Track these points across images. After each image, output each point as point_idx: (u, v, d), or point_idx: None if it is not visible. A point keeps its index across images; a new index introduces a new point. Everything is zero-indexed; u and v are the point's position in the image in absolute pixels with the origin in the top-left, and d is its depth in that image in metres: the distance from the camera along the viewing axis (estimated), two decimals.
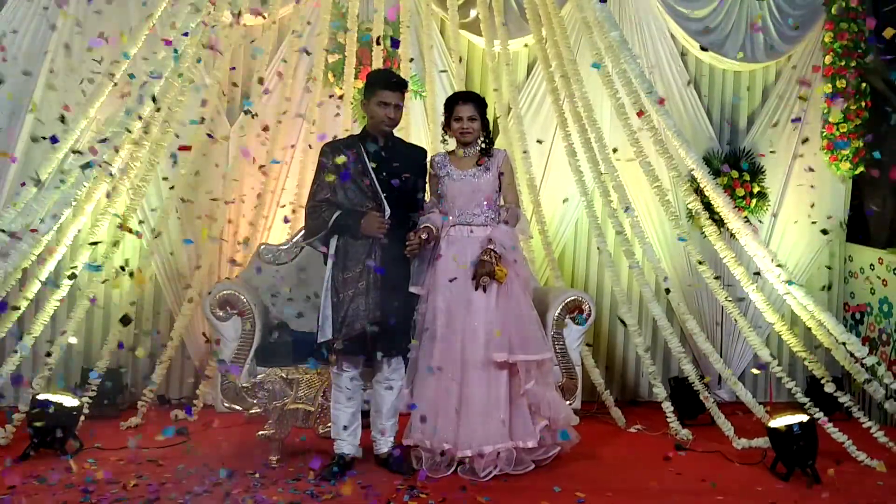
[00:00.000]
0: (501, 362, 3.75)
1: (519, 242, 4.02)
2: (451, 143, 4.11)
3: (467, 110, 3.90)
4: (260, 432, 3.92)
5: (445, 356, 3.77)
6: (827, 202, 5.80)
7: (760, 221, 5.66)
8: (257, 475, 3.70)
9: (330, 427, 3.87)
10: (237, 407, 4.04)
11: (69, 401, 4.03)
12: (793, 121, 5.71)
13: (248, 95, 5.06)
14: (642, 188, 5.21)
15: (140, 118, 4.41)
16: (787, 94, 5.81)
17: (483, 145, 3.98)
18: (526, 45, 5.60)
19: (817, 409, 4.38)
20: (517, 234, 3.97)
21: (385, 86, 3.76)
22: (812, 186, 5.76)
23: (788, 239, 5.76)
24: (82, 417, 4.19)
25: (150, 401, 4.71)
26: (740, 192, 5.54)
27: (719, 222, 4.91)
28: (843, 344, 4.46)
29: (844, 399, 4.49)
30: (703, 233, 5.07)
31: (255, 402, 3.97)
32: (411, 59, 5.26)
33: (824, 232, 5.71)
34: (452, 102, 3.97)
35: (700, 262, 4.79)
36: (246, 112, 4.93)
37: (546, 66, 5.22)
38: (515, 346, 3.78)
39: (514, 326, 3.80)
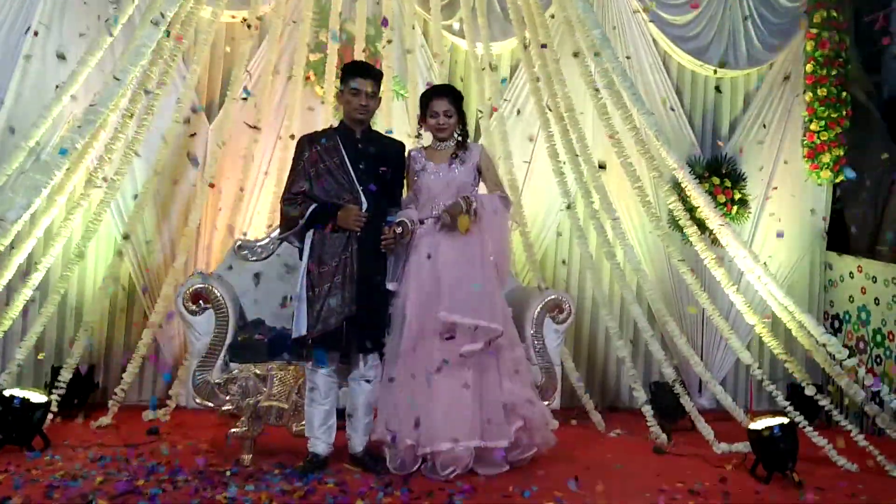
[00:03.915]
0: (466, 355, 3.63)
1: (505, 218, 3.91)
2: (427, 138, 4.04)
3: (442, 105, 3.84)
4: (232, 430, 3.83)
5: (413, 351, 3.69)
6: (807, 210, 5.82)
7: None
8: (229, 473, 3.61)
9: (304, 425, 3.78)
10: (209, 403, 3.94)
11: (37, 397, 3.94)
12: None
13: (224, 95, 5.04)
14: (624, 190, 5.19)
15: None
16: (769, 101, 5.84)
17: (459, 139, 3.92)
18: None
19: (797, 413, 4.35)
20: (503, 209, 3.87)
21: (356, 72, 3.72)
22: (792, 195, 5.81)
23: (769, 246, 5.75)
24: (50, 415, 4.11)
25: (121, 400, 4.60)
26: (721, 198, 5.54)
27: (701, 225, 4.88)
28: (824, 346, 4.43)
29: (825, 402, 4.46)
30: (683, 235, 5.04)
31: (227, 398, 3.88)
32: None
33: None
34: (428, 97, 3.91)
35: (681, 261, 4.78)
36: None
37: (529, 68, 5.20)
38: (463, 308, 3.61)
39: (466, 289, 3.65)
